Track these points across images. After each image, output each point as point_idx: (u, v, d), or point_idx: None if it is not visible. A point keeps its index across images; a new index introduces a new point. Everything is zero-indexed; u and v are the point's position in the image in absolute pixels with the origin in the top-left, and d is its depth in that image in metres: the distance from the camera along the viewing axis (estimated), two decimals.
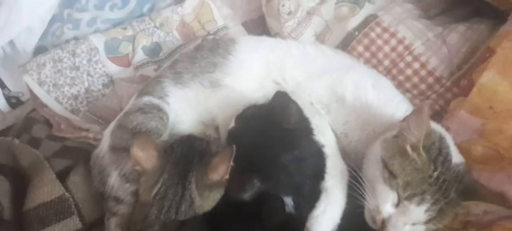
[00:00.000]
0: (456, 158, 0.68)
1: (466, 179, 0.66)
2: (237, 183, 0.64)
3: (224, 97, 0.76)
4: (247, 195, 0.63)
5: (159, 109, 0.73)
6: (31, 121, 0.88)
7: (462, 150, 0.68)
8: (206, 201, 0.66)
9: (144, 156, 0.64)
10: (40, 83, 0.86)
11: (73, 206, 0.76)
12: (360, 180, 0.68)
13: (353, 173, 0.69)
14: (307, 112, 0.71)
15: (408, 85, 0.81)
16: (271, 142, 0.67)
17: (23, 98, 0.99)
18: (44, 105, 0.87)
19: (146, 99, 0.74)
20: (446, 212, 0.64)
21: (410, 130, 0.64)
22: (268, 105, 0.68)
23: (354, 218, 0.69)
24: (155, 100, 0.74)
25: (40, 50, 0.96)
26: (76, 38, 0.95)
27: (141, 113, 0.71)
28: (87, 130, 0.85)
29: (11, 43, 0.95)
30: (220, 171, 0.64)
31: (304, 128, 0.68)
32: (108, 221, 0.74)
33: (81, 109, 0.87)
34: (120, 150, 0.70)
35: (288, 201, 0.68)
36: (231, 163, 0.64)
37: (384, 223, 0.64)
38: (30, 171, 0.79)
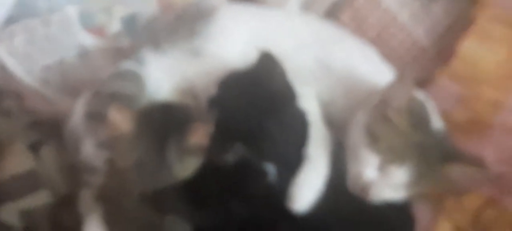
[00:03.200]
0: (437, 124, 0.68)
1: (446, 144, 0.67)
2: (219, 147, 0.62)
3: (204, 65, 0.74)
4: (230, 158, 0.62)
5: (137, 75, 0.70)
6: (1, 93, 0.83)
7: (443, 116, 0.69)
8: (185, 166, 0.64)
9: (122, 119, 0.61)
10: (11, 54, 0.82)
11: (44, 179, 0.74)
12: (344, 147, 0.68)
13: (337, 140, 0.70)
14: (292, 79, 0.70)
15: (393, 56, 0.81)
16: (254, 106, 0.65)
17: None
18: (14, 77, 0.83)
19: (123, 66, 0.72)
20: (426, 176, 0.64)
21: (394, 94, 0.64)
22: (251, 68, 0.67)
23: (337, 186, 0.70)
24: (134, 67, 0.71)
25: (10, 21, 0.91)
26: (49, 9, 0.91)
27: (118, 79, 0.69)
28: (60, 103, 0.82)
29: None
30: (199, 135, 0.62)
31: (288, 93, 0.67)
32: (82, 193, 0.72)
33: (54, 80, 0.84)
34: (96, 116, 0.68)
35: (271, 168, 0.67)
36: (212, 128, 0.63)
37: (366, 187, 0.64)
38: (1, 144, 0.76)
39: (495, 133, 0.67)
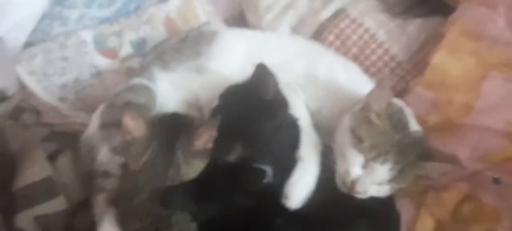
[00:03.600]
0: (414, 126, 0.76)
1: (423, 144, 0.75)
2: (221, 148, 0.70)
3: (208, 80, 0.83)
4: (230, 158, 0.69)
5: (148, 88, 0.79)
6: (20, 109, 0.91)
7: (419, 120, 0.77)
8: (191, 168, 0.72)
9: (135, 125, 0.69)
10: (31, 73, 0.90)
11: (59, 187, 0.80)
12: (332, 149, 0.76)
13: (325, 144, 0.78)
14: (284, 89, 0.79)
15: (373, 69, 0.91)
16: (251, 113, 0.73)
17: (8, 93, 1.02)
18: (32, 95, 0.91)
19: (136, 80, 0.80)
20: (407, 172, 0.72)
21: (374, 99, 0.73)
22: (248, 80, 0.75)
23: (327, 185, 0.77)
24: (144, 81, 0.80)
25: (28, 46, 1.00)
26: (65, 34, 1.00)
27: (130, 91, 0.77)
28: (75, 117, 0.89)
29: (0, 39, 0.98)
30: (204, 138, 0.70)
31: (280, 101, 0.76)
32: (96, 198, 0.78)
33: (69, 97, 0.92)
34: (110, 125, 0.76)
35: (267, 169, 0.75)
36: (215, 133, 0.71)
37: (353, 184, 0.71)
38: (20, 154, 0.82)
39: (466, 133, 0.75)
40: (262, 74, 0.72)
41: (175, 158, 0.70)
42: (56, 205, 0.79)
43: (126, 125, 0.69)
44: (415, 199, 0.78)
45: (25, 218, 0.78)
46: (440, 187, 0.77)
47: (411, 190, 0.79)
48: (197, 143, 0.70)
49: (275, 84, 0.74)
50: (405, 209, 0.78)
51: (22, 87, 0.92)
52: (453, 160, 0.74)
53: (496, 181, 0.73)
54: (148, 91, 0.78)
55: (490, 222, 0.72)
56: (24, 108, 0.90)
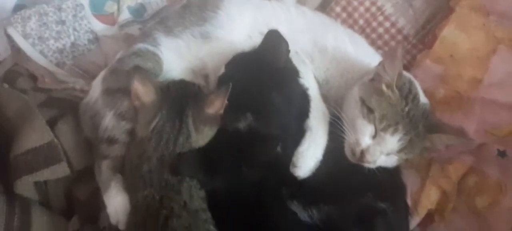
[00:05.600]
0: (423, 99, 0.77)
1: (431, 117, 0.76)
2: (231, 115, 0.69)
3: (214, 47, 0.81)
4: (241, 125, 0.68)
5: (154, 53, 0.76)
6: (15, 73, 0.86)
7: (427, 93, 0.78)
8: (201, 135, 0.70)
9: (144, 90, 0.67)
10: (25, 36, 0.86)
11: (62, 153, 0.77)
12: (341, 119, 0.76)
13: (335, 113, 0.77)
14: (293, 59, 0.77)
15: (379, 42, 0.91)
16: (261, 81, 0.72)
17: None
18: (28, 59, 0.86)
19: (140, 45, 0.77)
20: (415, 143, 0.72)
21: (385, 71, 0.72)
22: (259, 46, 0.73)
23: (334, 155, 0.77)
24: (149, 47, 0.77)
25: (19, 8, 0.95)
26: None
27: (136, 56, 0.74)
28: (74, 83, 0.86)
29: None
30: (216, 105, 0.68)
31: (291, 69, 0.75)
32: (99, 165, 0.76)
33: (67, 63, 0.88)
34: (115, 91, 0.73)
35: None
36: (226, 101, 0.69)
37: (363, 153, 0.72)
38: (17, 119, 0.78)
39: (474, 107, 0.76)
40: (274, 40, 0.70)
41: (185, 125, 0.68)
42: (58, 171, 0.75)
43: (135, 89, 0.67)
44: (421, 171, 0.80)
45: (24, 184, 0.75)
46: (445, 159, 0.79)
47: (417, 162, 0.80)
48: (209, 110, 0.69)
49: (288, 51, 0.72)
50: (411, 180, 0.80)
51: (17, 51, 0.88)
52: (460, 132, 0.75)
53: (501, 154, 0.74)
54: (154, 57, 0.76)
55: (494, 194, 0.74)
56: (19, 73, 0.85)
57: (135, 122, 0.70)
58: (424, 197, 0.77)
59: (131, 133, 0.71)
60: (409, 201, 0.79)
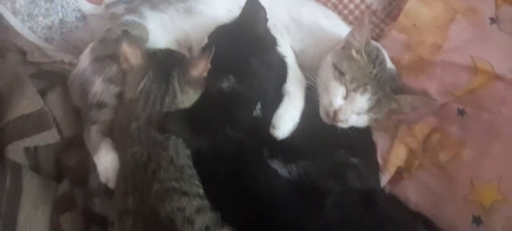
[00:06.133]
0: (390, 64, 0.84)
1: (397, 80, 0.83)
2: (215, 77, 0.74)
3: (197, 21, 0.86)
4: (224, 85, 0.74)
5: (140, 23, 0.81)
6: (4, 49, 0.89)
7: (393, 60, 0.85)
8: (186, 97, 0.75)
9: (132, 53, 0.72)
10: (14, 13, 0.89)
11: (51, 120, 0.80)
12: (316, 85, 0.82)
13: (311, 80, 0.83)
14: (271, 30, 0.83)
15: (351, 18, 0.99)
16: (242, 47, 0.78)
17: None
18: (17, 35, 0.90)
19: (127, 17, 0.82)
20: (383, 103, 0.79)
21: (355, 37, 0.79)
22: (239, 15, 0.79)
23: (310, 118, 0.83)
24: (136, 19, 0.82)
25: None
26: None
27: (123, 25, 0.79)
28: (62, 57, 0.89)
29: None
30: (200, 67, 0.74)
31: (269, 37, 0.81)
32: (88, 130, 0.79)
33: (55, 38, 0.92)
34: (104, 58, 0.77)
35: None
36: (209, 63, 0.75)
37: (336, 113, 0.78)
38: (7, 89, 0.82)
39: (436, 70, 0.83)
40: (253, 8, 0.76)
41: (171, 86, 0.73)
42: (47, 137, 0.79)
43: (124, 52, 0.71)
44: (389, 132, 0.86)
45: (15, 149, 0.78)
46: (411, 121, 0.85)
47: (386, 124, 0.87)
48: (193, 72, 0.74)
49: (266, 18, 0.78)
50: (380, 140, 0.86)
51: (6, 28, 0.91)
52: (423, 94, 0.82)
53: (461, 112, 0.82)
54: (140, 26, 0.80)
55: (455, 149, 0.81)
56: (8, 48, 0.88)
57: (124, 84, 0.74)
58: (393, 155, 0.84)
59: (120, 96, 0.76)
60: (379, 160, 0.86)
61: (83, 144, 0.82)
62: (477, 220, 0.78)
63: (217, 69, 0.75)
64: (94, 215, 0.79)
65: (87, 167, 0.84)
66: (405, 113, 0.85)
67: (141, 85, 0.72)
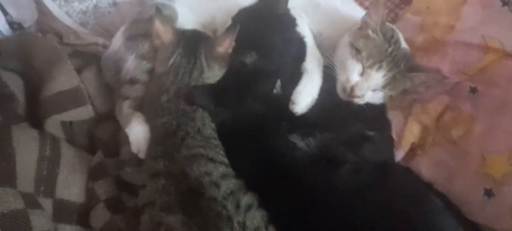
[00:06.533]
0: (404, 45, 0.88)
1: (411, 59, 0.87)
2: (238, 52, 0.80)
3: (222, 4, 0.92)
4: (247, 60, 0.79)
5: (169, 5, 0.87)
6: (43, 32, 0.97)
7: (408, 41, 0.89)
8: (212, 72, 0.81)
9: (164, 30, 0.78)
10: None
11: (87, 96, 0.87)
12: (333, 64, 0.87)
13: (329, 59, 0.88)
14: (291, 12, 0.88)
15: (367, 3, 1.03)
16: (264, 27, 0.83)
17: (25, 25, 1.07)
18: (54, 19, 0.97)
19: (157, 0, 0.88)
20: (397, 80, 0.83)
21: (371, 18, 0.84)
22: None
23: (328, 95, 0.87)
24: (165, 1, 0.88)
25: None
26: None
27: (154, 7, 0.85)
28: (96, 39, 0.96)
29: None
30: (225, 44, 0.79)
31: (289, 18, 0.86)
32: (120, 105, 0.86)
33: (90, 22, 0.99)
34: (136, 36, 0.83)
35: (277, 81, 0.85)
36: (234, 40, 0.80)
37: (352, 89, 0.82)
38: (46, 65, 0.88)
39: (448, 49, 0.87)
40: None
41: (199, 61, 0.79)
42: (83, 112, 0.85)
43: (156, 29, 0.77)
44: (404, 111, 0.90)
45: (52, 123, 0.84)
46: (425, 100, 0.89)
47: (401, 103, 0.91)
48: (219, 49, 0.79)
49: (286, 0, 0.83)
50: (395, 119, 0.90)
51: (43, 13, 0.98)
52: (437, 72, 0.86)
53: (473, 90, 0.85)
54: (170, 8, 0.86)
55: (467, 125, 0.84)
56: (46, 31, 0.96)
57: (155, 60, 0.80)
58: (407, 131, 0.87)
59: (151, 72, 0.82)
60: (394, 137, 0.90)
61: (114, 119, 0.89)
62: (489, 193, 0.81)
63: (241, 46, 0.80)
64: (125, 183, 0.85)
65: (118, 141, 0.90)
66: (419, 92, 0.90)
67: (171, 60, 0.78)
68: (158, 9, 0.78)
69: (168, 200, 0.69)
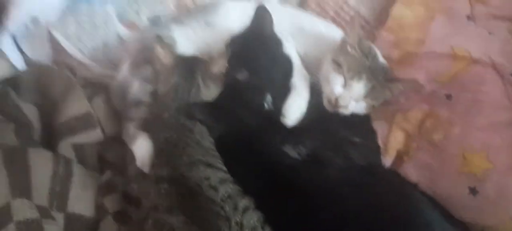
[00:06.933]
0: (381, 59, 0.97)
1: (389, 72, 0.96)
2: (232, 69, 0.89)
3: (217, 33, 1.03)
4: (240, 77, 0.88)
5: (168, 35, 0.98)
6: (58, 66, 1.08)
7: (385, 58, 0.98)
8: (209, 91, 0.90)
9: (164, 54, 0.87)
10: (66, 37, 1.08)
11: (97, 121, 0.96)
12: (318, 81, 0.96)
13: (314, 76, 0.97)
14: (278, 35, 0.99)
15: (347, 28, 1.13)
16: (253, 47, 0.93)
17: None
18: (68, 55, 1.08)
19: (158, 32, 0.99)
20: (377, 90, 0.91)
21: (348, 36, 0.94)
22: (250, 22, 0.95)
23: (316, 108, 0.95)
24: (165, 32, 0.99)
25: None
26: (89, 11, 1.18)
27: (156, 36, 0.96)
28: (105, 72, 1.07)
29: (34, 18, 1.16)
30: (219, 64, 0.88)
31: (276, 39, 0.96)
32: (128, 126, 0.94)
33: (99, 57, 1.10)
34: (141, 63, 0.94)
35: (268, 98, 0.93)
36: (227, 61, 0.90)
37: (336, 100, 0.90)
38: (61, 95, 0.98)
39: (422, 61, 0.95)
40: (260, 13, 0.93)
41: (196, 80, 0.88)
42: (93, 136, 0.95)
43: (158, 53, 0.87)
44: (388, 120, 0.97)
45: (65, 145, 0.93)
46: (406, 109, 0.97)
47: (384, 114, 0.98)
48: (214, 67, 0.89)
49: (272, 21, 0.94)
50: (380, 128, 0.97)
51: (58, 51, 1.10)
52: (413, 82, 0.94)
53: (448, 97, 0.93)
54: (169, 37, 0.97)
55: (446, 129, 0.91)
56: (61, 66, 1.07)
57: (157, 82, 0.90)
58: (392, 139, 0.94)
59: (154, 93, 0.91)
60: (380, 144, 0.96)
61: (122, 142, 0.97)
62: (473, 191, 0.86)
63: (233, 66, 0.90)
64: (131, 198, 0.91)
65: (125, 161, 0.98)
66: (399, 102, 0.98)
67: (172, 81, 0.87)
68: (159, 37, 0.88)
69: (170, 203, 0.75)
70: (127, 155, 0.95)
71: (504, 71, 0.90)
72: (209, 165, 0.81)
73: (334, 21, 1.14)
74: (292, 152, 0.90)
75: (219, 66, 0.89)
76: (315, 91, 0.96)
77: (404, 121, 0.96)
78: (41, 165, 0.85)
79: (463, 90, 0.91)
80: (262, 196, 0.83)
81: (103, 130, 0.97)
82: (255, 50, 0.92)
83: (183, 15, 1.06)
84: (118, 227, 0.85)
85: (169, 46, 0.89)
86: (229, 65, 0.90)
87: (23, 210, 0.75)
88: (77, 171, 0.90)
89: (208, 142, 0.87)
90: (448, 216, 0.85)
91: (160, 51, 0.87)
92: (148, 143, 0.88)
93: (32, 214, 0.76)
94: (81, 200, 0.86)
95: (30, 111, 0.96)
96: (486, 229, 0.83)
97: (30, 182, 0.81)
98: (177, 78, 0.88)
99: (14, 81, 0.99)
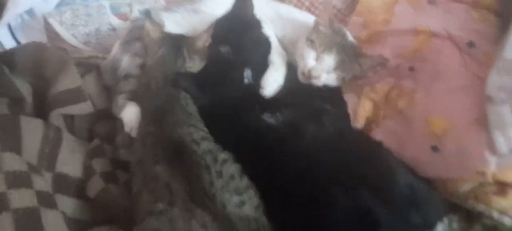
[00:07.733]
0: (351, 39, 1.07)
1: (358, 49, 1.05)
2: (215, 45, 0.97)
3: (203, 18, 1.11)
4: (222, 49, 0.96)
5: (158, 18, 1.06)
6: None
7: (355, 38, 1.07)
8: (193, 63, 0.98)
9: (153, 28, 0.96)
10: (61, 23, 1.16)
11: (87, 95, 1.02)
12: (294, 58, 1.05)
13: (291, 56, 1.06)
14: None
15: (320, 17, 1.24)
16: (235, 27, 1.02)
17: None
18: (62, 40, 1.16)
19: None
20: (347, 64, 1.00)
21: (319, 17, 1.04)
22: (232, 5, 1.05)
23: (291, 81, 1.04)
24: (154, 16, 1.08)
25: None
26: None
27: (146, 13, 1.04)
28: (96, 55, 1.14)
29: (30, 10, 1.25)
30: (203, 38, 0.97)
31: (256, 21, 1.05)
32: (116, 99, 1.01)
33: (92, 42, 1.18)
34: (132, 41, 1.02)
35: (248, 73, 1.02)
36: (210, 37, 0.98)
37: (309, 72, 0.99)
38: (54, 72, 1.04)
39: (387, 38, 1.06)
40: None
41: (182, 53, 0.96)
42: (83, 108, 1.00)
43: (147, 28, 0.96)
44: (357, 92, 1.05)
45: (55, 115, 0.98)
46: (373, 82, 1.06)
47: (354, 87, 1.07)
48: (198, 42, 0.97)
49: (252, 6, 1.04)
50: (350, 100, 1.05)
51: (53, 38, 1.18)
52: (380, 57, 1.04)
53: (411, 69, 1.02)
54: (158, 16, 1.06)
55: (410, 97, 1.00)
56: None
57: (146, 56, 0.98)
58: (361, 108, 1.02)
59: (142, 66, 0.99)
60: (350, 112, 1.04)
61: (112, 117, 1.03)
62: (435, 148, 0.93)
63: (216, 40, 0.99)
64: (120, 162, 0.96)
65: (115, 135, 1.04)
66: (368, 76, 1.07)
67: (159, 53, 0.95)
68: (148, 13, 0.97)
69: (155, 154, 0.81)
70: (116, 125, 1.02)
71: (461, 43, 1.00)
72: (192, 125, 0.88)
73: (308, 10, 1.25)
74: (270, 119, 0.97)
75: (204, 41, 0.97)
76: (292, 68, 1.05)
77: (372, 92, 1.04)
78: (31, 128, 0.89)
79: (424, 62, 1.00)
80: (241, 156, 0.90)
81: (93, 104, 1.03)
82: (237, 30, 1.01)
83: (173, 4, 1.15)
84: (105, 184, 0.90)
85: (157, 23, 0.98)
86: (213, 40, 0.99)
87: (12, 161, 0.79)
88: (67, 137, 0.96)
89: (192, 108, 0.94)
90: (410, 170, 0.92)
91: (149, 26, 0.96)
92: (136, 109, 0.95)
93: (21, 166, 0.80)
94: (69, 162, 0.91)
95: (24, 88, 1.02)
96: (448, 182, 0.90)
97: (21, 141, 0.85)
98: (164, 50, 0.96)
99: (8, 58, 1.05)
